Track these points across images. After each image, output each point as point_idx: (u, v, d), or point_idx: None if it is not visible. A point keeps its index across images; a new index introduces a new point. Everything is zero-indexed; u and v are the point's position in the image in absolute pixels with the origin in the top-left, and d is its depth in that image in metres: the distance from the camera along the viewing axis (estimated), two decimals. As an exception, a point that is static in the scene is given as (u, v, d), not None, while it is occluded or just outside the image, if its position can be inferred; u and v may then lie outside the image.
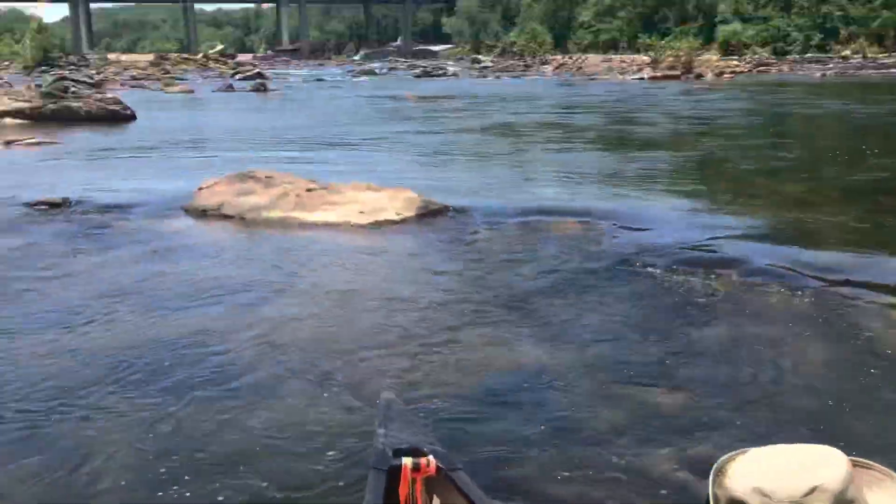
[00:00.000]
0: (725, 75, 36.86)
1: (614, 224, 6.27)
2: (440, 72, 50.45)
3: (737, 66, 46.68)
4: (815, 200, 7.47)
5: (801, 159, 10.70)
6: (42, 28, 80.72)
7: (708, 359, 3.73)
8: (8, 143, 12.58)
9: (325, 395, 3.34)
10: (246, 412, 3.19)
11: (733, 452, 1.22)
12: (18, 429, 3.07)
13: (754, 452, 1.20)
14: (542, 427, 3.06)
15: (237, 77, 41.42)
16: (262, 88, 31.26)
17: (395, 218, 6.48)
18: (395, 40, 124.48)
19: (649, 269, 5.05)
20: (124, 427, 3.06)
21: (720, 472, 1.19)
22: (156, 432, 3.02)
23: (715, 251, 5.49)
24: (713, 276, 4.89)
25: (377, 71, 56.11)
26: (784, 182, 8.69)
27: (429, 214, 6.61)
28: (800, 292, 4.58)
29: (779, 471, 1.14)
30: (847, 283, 4.70)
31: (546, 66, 55.33)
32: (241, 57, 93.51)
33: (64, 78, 23.43)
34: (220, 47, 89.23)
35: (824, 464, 1.14)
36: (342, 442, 2.92)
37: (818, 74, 36.62)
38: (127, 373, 3.56)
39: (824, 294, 4.54)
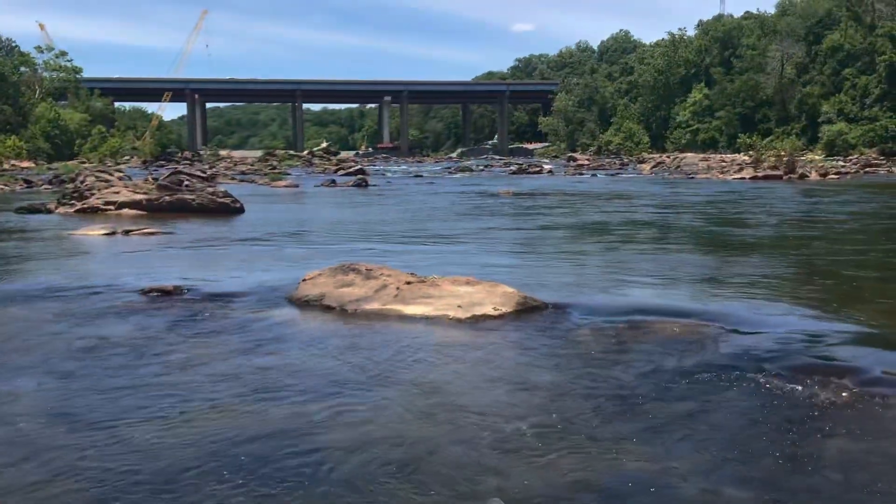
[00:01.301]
0: (830, 176, 35.96)
1: (719, 326, 6.07)
2: (535, 169, 51.12)
3: (842, 166, 45.53)
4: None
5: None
6: (161, 125, 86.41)
7: (823, 474, 3.51)
8: (126, 232, 13.34)
9: (422, 495, 3.29)
10: (343, 507, 3.17)
11: None
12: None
13: None
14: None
15: (339, 173, 43.09)
16: (362, 184, 32.29)
17: (493, 313, 6.47)
18: (492, 138, 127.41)
19: (758, 376, 4.85)
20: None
21: None
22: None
23: (827, 358, 5.22)
24: (827, 385, 4.64)
25: (473, 168, 57.34)
26: (898, 287, 8.29)
27: (527, 311, 6.58)
28: (923, 406, 4.29)
29: None
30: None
31: (643, 165, 55.31)
32: (344, 154, 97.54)
33: (179, 172, 24.85)
34: (324, 144, 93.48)
35: None
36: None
37: (931, 176, 35.28)
38: (226, 463, 3.61)
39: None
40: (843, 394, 4.53)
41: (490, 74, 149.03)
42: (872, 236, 13.32)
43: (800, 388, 4.65)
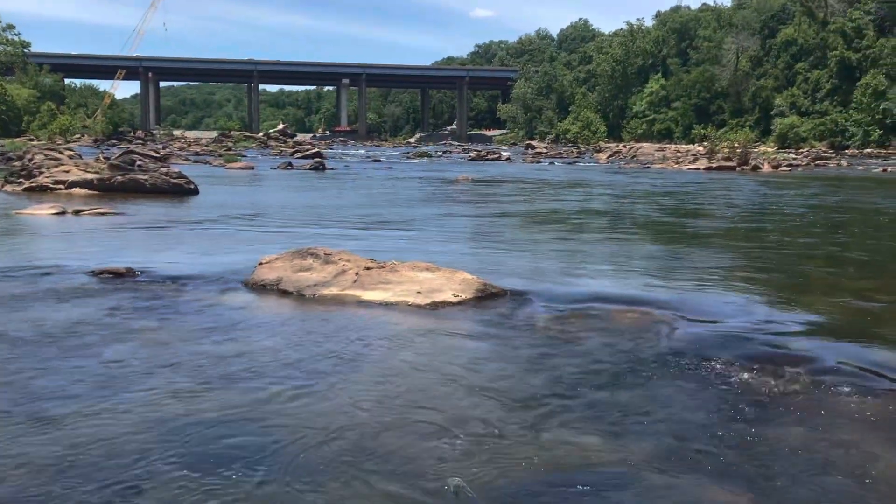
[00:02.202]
0: (782, 168, 36.65)
1: (674, 314, 6.13)
2: (494, 156, 51.24)
3: (794, 158, 46.45)
4: (881, 297, 7.23)
5: (866, 254, 10.44)
6: (114, 104, 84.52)
7: (777, 461, 3.56)
8: (77, 212, 13.02)
9: (377, 481, 3.25)
10: (296, 493, 3.12)
11: None
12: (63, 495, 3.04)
13: None
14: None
15: (296, 155, 42.59)
16: (319, 167, 32.00)
17: (453, 300, 6.44)
18: (451, 124, 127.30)
19: (713, 364, 4.90)
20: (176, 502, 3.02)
21: None
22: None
23: (781, 347, 5.30)
24: (781, 374, 4.71)
25: (432, 153, 57.24)
26: (849, 277, 8.47)
27: (486, 298, 6.57)
28: (873, 394, 4.38)
29: None
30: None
31: (599, 154, 55.73)
32: (301, 136, 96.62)
33: (131, 152, 24.30)
34: (281, 126, 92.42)
35: None
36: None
37: (878, 169, 36.19)
38: (177, 449, 3.53)
39: (897, 396, 4.33)
40: (797, 382, 4.60)
41: (450, 60, 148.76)
42: (825, 228, 13.59)
43: (754, 376, 4.71)
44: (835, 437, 3.85)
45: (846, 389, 4.45)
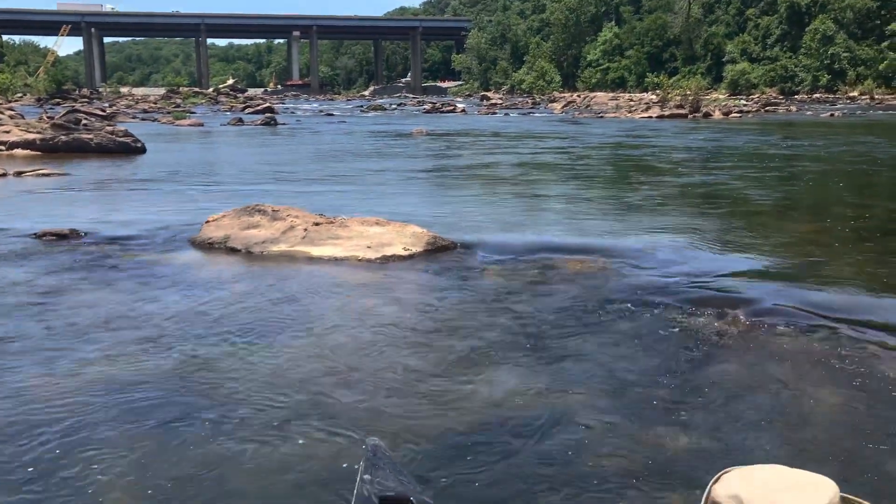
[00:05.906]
0: (733, 114, 37.00)
1: (622, 262, 6.23)
2: (449, 108, 50.86)
3: (744, 105, 46.93)
4: (823, 240, 7.43)
5: (810, 199, 10.68)
6: (57, 61, 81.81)
7: (716, 401, 3.67)
8: (18, 173, 12.68)
9: (320, 434, 3.29)
10: (240, 451, 3.14)
11: (739, 467, 1.26)
12: (16, 463, 3.03)
13: (756, 469, 1.24)
14: (547, 471, 3.00)
15: (247, 111, 41.86)
16: (271, 122, 31.50)
17: (403, 253, 6.46)
18: (405, 76, 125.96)
19: (658, 309, 5.00)
20: (121, 463, 3.02)
21: (717, 480, 1.24)
22: (152, 470, 2.97)
23: (724, 290, 5.43)
24: (722, 317, 4.83)
25: (387, 106, 56.67)
26: (793, 221, 8.67)
27: (436, 250, 6.59)
28: (809, 333, 4.52)
29: (766, 487, 1.17)
30: (856, 323, 4.64)
31: (554, 104, 55.64)
32: (252, 91, 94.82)
33: (76, 111, 23.66)
34: (230, 81, 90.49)
35: (813, 490, 1.16)
36: (329, 484, 2.85)
37: (826, 114, 36.75)
38: (125, 408, 3.52)
39: (834, 335, 4.48)
40: (736, 324, 4.73)
41: (402, 10, 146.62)
42: (769, 172, 13.82)
43: (697, 319, 4.82)
44: (769, 375, 3.97)
45: (783, 329, 4.59)
